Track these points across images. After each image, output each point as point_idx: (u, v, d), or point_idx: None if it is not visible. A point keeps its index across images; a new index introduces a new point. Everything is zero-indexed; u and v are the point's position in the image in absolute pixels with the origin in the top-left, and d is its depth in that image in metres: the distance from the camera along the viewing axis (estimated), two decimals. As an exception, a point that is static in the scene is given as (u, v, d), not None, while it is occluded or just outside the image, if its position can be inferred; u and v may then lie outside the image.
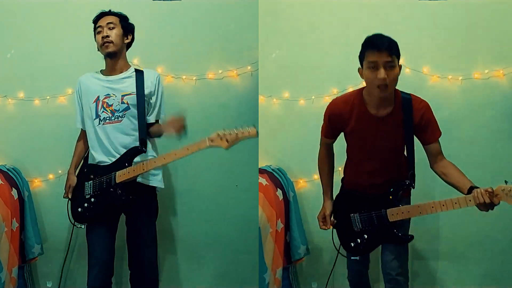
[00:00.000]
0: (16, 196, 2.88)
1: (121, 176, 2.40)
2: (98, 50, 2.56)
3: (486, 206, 2.03)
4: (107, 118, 2.47)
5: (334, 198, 2.50)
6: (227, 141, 2.23)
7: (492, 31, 2.90)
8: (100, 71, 2.60)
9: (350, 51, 3.02)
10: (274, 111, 3.15)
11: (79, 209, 2.50)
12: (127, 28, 2.59)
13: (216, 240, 3.15)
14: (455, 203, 2.10)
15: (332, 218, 2.44)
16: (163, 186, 2.61)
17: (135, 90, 2.49)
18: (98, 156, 2.50)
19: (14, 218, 2.83)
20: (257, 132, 2.23)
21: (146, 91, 2.51)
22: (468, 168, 3.00)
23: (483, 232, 2.98)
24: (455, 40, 2.93)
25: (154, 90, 2.55)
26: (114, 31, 2.51)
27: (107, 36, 2.48)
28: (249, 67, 3.04)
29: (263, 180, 2.91)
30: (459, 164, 2.92)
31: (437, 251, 3.05)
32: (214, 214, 3.13)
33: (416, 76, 2.95)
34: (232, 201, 3.11)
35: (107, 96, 2.50)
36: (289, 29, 3.14)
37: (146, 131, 2.51)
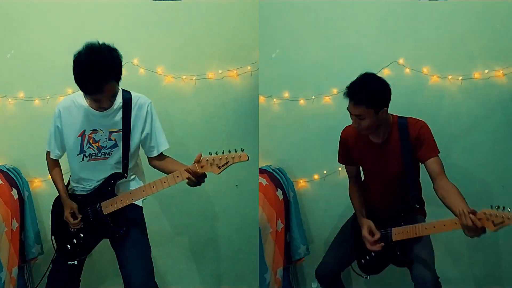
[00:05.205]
0: (16, 196, 2.88)
1: (108, 207, 2.29)
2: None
3: (471, 230, 1.88)
4: (93, 154, 2.31)
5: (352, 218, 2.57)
6: (218, 167, 2.09)
7: (492, 31, 2.89)
8: (84, 96, 2.29)
9: (350, 51, 3.05)
10: (274, 111, 3.14)
11: (68, 246, 2.37)
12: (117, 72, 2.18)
13: (216, 239, 3.15)
14: (443, 225, 2.04)
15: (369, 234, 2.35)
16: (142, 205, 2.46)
17: (122, 127, 2.29)
18: (74, 185, 2.41)
19: (14, 218, 2.83)
20: (248, 157, 2.06)
21: (136, 129, 2.30)
22: (468, 168, 3.00)
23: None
24: (455, 40, 2.92)
25: (144, 123, 2.32)
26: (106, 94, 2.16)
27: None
28: (249, 67, 3.04)
29: (263, 180, 2.91)
30: (459, 163, 2.94)
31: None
32: (214, 214, 3.14)
33: (416, 76, 2.95)
34: (232, 201, 3.11)
35: (94, 131, 2.29)
36: (289, 29, 3.13)
37: (130, 156, 2.34)
